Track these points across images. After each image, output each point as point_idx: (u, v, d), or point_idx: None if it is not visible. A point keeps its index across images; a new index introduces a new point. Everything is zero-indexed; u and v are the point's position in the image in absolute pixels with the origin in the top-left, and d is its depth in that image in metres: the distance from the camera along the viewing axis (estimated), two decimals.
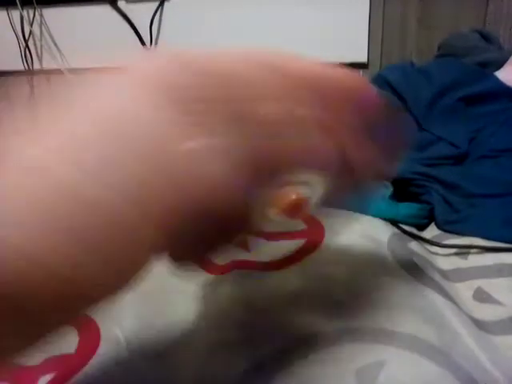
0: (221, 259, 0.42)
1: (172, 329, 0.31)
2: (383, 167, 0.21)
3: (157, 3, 1.18)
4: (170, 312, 0.33)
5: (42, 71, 1.33)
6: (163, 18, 1.20)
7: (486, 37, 0.85)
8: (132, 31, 1.21)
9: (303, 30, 1.15)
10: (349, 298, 0.31)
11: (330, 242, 0.38)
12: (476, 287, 0.35)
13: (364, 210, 0.43)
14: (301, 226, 0.41)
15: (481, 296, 0.34)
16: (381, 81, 0.66)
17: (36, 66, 1.30)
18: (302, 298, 0.31)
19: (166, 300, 0.34)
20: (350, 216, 0.42)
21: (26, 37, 1.25)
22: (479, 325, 0.30)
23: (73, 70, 1.29)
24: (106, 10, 1.21)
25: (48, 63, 1.30)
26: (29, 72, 1.28)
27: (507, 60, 0.67)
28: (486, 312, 0.32)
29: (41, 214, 0.13)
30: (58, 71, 1.29)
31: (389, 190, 0.47)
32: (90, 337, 0.27)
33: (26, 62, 1.27)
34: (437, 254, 0.40)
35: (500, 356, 0.27)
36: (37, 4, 1.21)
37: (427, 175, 0.49)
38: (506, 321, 0.31)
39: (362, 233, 0.39)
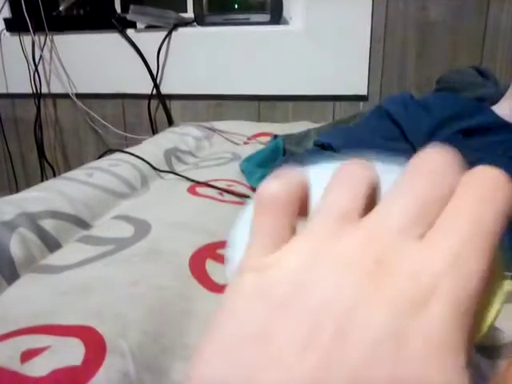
0: (223, 279, 0.42)
1: (174, 344, 0.31)
2: None
3: (165, 33, 1.22)
4: (172, 328, 0.33)
5: (50, 95, 1.36)
6: (170, 46, 1.24)
7: (482, 73, 0.88)
8: (140, 59, 1.25)
9: (305, 62, 1.19)
10: None
11: None
12: None
13: None
14: None
15: None
16: (381, 111, 0.68)
17: (44, 89, 1.33)
18: None
19: (169, 316, 0.35)
20: None
21: (36, 61, 1.28)
22: (481, 350, 0.31)
23: (80, 95, 1.32)
24: (115, 37, 1.25)
25: (56, 87, 1.34)
26: (37, 95, 1.31)
27: (503, 95, 0.70)
28: (487, 338, 0.32)
29: None
30: (65, 95, 1.32)
31: None
32: (96, 349, 0.28)
33: (35, 85, 1.30)
34: None
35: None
36: (48, 30, 1.25)
37: None
38: (507, 346, 0.31)
39: None
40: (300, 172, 0.18)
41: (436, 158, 0.17)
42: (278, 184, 0.18)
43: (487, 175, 0.17)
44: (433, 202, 0.16)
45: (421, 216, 0.16)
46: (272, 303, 0.15)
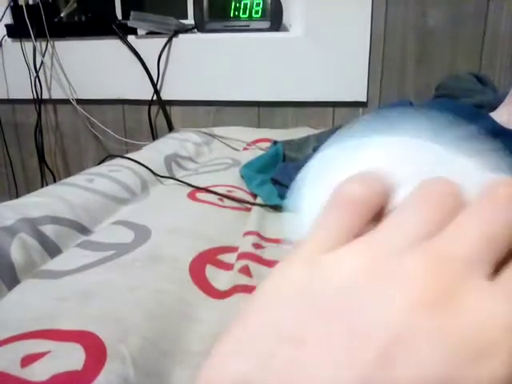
0: (222, 285, 0.42)
1: (175, 349, 0.32)
2: None
3: (165, 39, 1.22)
4: (173, 333, 0.33)
5: (50, 100, 1.37)
6: (171, 53, 1.25)
7: (481, 79, 0.88)
8: (140, 65, 1.25)
9: (304, 69, 1.19)
10: None
11: None
12: None
13: None
14: None
15: None
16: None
17: (45, 95, 1.34)
18: None
19: (169, 321, 0.35)
20: None
21: (37, 67, 1.29)
22: None
23: (80, 101, 1.33)
24: (115, 44, 1.26)
25: (56, 93, 1.34)
26: (37, 101, 1.32)
27: (502, 102, 0.70)
28: None
29: None
30: (66, 101, 1.33)
31: None
32: (97, 354, 0.28)
33: (36, 91, 1.30)
34: None
35: None
36: (50, 36, 1.25)
37: None
38: None
39: None
40: (384, 176, 0.17)
41: None
42: (360, 185, 0.17)
43: None
44: (504, 240, 0.15)
45: (490, 252, 0.15)
46: (317, 306, 0.15)
